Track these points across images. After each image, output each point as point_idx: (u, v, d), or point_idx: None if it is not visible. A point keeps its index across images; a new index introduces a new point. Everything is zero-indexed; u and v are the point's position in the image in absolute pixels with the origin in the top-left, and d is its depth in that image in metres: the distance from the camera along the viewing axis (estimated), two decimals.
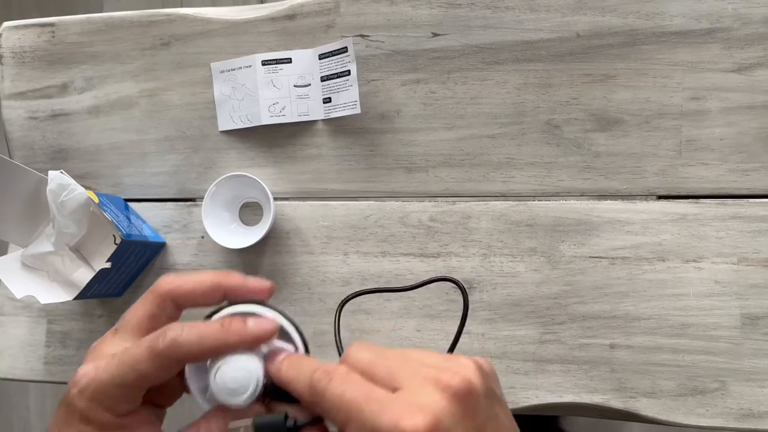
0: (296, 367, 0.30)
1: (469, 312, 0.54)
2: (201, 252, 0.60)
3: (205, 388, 0.31)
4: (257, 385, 0.30)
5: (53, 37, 0.62)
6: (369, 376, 0.28)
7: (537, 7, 0.53)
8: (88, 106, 0.62)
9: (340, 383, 0.27)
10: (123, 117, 0.61)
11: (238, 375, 0.30)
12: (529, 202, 0.54)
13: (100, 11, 0.63)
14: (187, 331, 0.29)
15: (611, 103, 0.52)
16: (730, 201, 0.51)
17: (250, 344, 0.30)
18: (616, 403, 0.52)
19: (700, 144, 0.51)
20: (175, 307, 0.32)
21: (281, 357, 0.30)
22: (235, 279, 0.32)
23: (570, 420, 1.15)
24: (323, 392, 0.27)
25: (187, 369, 0.31)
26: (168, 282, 0.31)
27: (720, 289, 0.50)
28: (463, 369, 0.28)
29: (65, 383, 0.63)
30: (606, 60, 0.52)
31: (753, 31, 0.50)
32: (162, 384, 0.31)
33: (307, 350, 0.32)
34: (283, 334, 0.32)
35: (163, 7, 0.61)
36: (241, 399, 0.30)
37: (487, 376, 0.29)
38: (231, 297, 0.32)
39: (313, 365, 0.29)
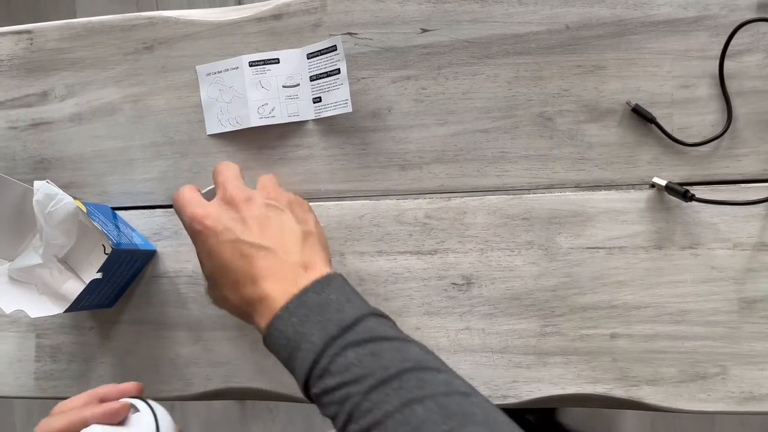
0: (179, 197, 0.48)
1: (469, 308, 0.54)
2: (193, 258, 0.58)
3: None
4: None
5: (31, 44, 0.61)
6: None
7: (525, 0, 0.52)
8: (69, 114, 0.60)
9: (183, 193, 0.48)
10: (107, 124, 0.60)
11: None
12: (524, 195, 0.54)
13: (74, 17, 0.61)
14: (56, 417, 0.43)
15: (603, 94, 0.52)
16: (722, 187, 0.51)
17: (101, 417, 0.43)
18: (618, 392, 0.52)
19: (691, 131, 0.51)
20: None
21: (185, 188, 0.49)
22: (105, 389, 0.46)
23: (565, 411, 1.15)
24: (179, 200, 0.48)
25: None
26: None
27: (717, 275, 0.51)
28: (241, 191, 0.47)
29: (57, 398, 0.61)
30: (596, 51, 0.52)
31: (740, 17, 0.50)
32: None
33: (157, 427, 0.44)
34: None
35: (139, 10, 0.59)
36: None
37: (278, 199, 0.47)
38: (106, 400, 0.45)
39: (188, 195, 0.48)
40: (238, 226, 0.44)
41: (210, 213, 0.45)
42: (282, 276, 0.43)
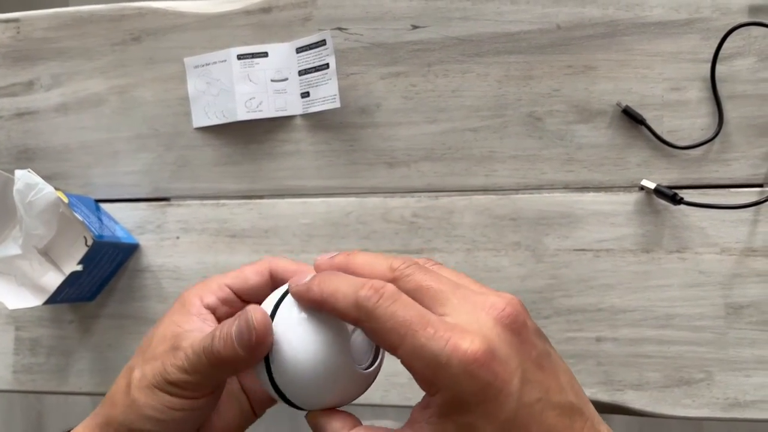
0: (334, 283, 0.28)
1: None
2: (176, 253, 0.58)
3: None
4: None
5: (18, 33, 0.60)
6: (418, 297, 0.27)
7: None
8: (55, 104, 0.60)
9: (391, 302, 0.26)
10: (92, 115, 0.59)
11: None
12: (512, 195, 0.53)
13: (66, 5, 0.61)
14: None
15: (593, 95, 0.52)
16: (712, 191, 0.51)
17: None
18: (603, 396, 0.51)
19: (681, 134, 0.51)
20: (269, 280, 0.36)
21: (308, 276, 0.29)
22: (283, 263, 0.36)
23: None
24: (373, 310, 0.26)
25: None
26: (273, 258, 0.36)
27: (704, 279, 0.50)
28: (512, 301, 0.27)
29: (35, 392, 0.60)
30: (587, 51, 0.52)
31: (731, 21, 0.50)
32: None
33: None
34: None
35: (128, 0, 0.59)
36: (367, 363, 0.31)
37: (530, 315, 0.28)
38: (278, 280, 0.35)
39: (355, 281, 0.27)
40: (538, 373, 0.27)
41: (495, 347, 0.26)
42: None
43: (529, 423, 0.26)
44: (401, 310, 0.26)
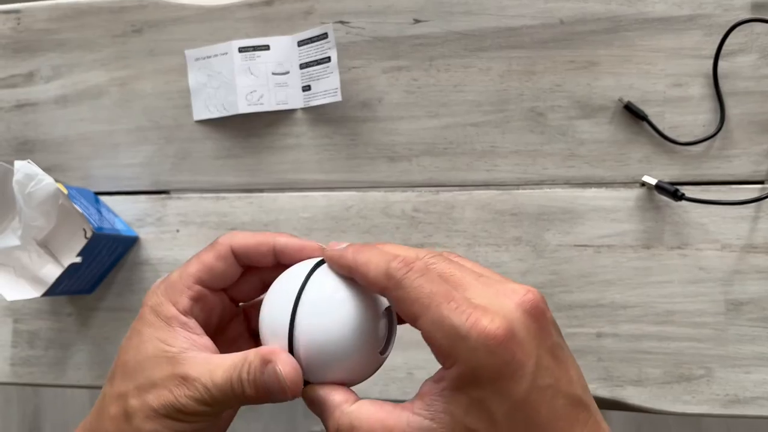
0: (367, 253, 0.29)
1: None
2: (176, 246, 0.58)
3: None
4: None
5: (19, 24, 0.60)
6: (444, 279, 0.28)
7: None
8: (55, 96, 0.59)
9: (419, 275, 0.27)
10: (92, 107, 0.59)
11: None
12: (513, 190, 0.53)
13: None
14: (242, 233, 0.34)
15: (595, 90, 0.52)
16: (713, 187, 0.51)
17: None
18: (602, 392, 0.51)
19: (683, 130, 0.51)
20: (235, 261, 0.34)
21: (343, 244, 0.31)
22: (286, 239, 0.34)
23: None
24: (401, 280, 0.27)
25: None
26: (230, 236, 0.34)
27: (704, 276, 0.50)
28: (533, 290, 0.28)
29: (33, 385, 0.60)
30: (589, 47, 0.52)
31: (734, 17, 0.50)
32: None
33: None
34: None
35: None
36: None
37: (548, 307, 0.29)
38: (282, 258, 0.34)
39: (387, 254, 0.29)
40: (552, 361, 0.27)
41: (515, 329, 0.26)
42: None
43: (540, 405, 0.26)
44: (428, 283, 0.27)
